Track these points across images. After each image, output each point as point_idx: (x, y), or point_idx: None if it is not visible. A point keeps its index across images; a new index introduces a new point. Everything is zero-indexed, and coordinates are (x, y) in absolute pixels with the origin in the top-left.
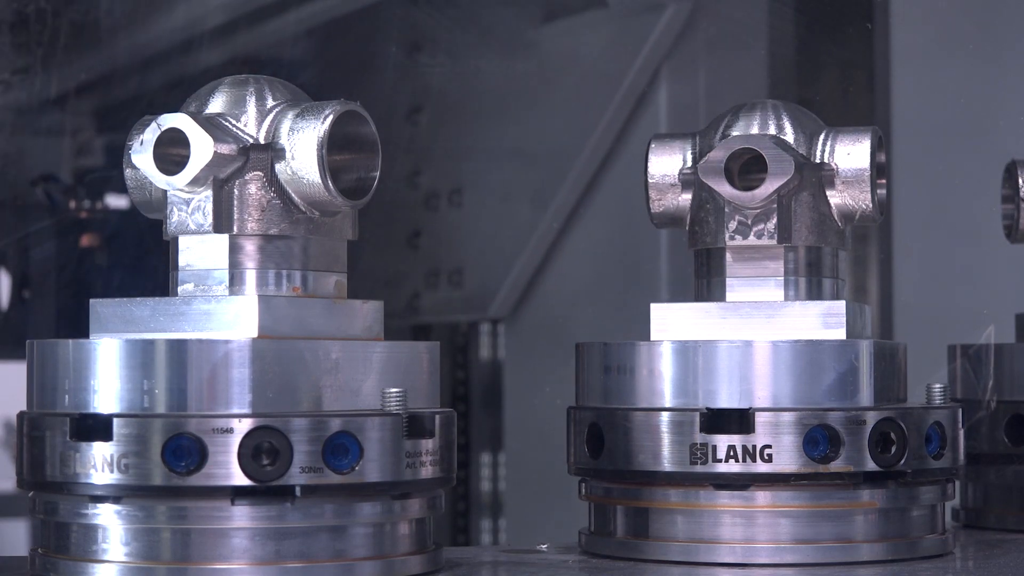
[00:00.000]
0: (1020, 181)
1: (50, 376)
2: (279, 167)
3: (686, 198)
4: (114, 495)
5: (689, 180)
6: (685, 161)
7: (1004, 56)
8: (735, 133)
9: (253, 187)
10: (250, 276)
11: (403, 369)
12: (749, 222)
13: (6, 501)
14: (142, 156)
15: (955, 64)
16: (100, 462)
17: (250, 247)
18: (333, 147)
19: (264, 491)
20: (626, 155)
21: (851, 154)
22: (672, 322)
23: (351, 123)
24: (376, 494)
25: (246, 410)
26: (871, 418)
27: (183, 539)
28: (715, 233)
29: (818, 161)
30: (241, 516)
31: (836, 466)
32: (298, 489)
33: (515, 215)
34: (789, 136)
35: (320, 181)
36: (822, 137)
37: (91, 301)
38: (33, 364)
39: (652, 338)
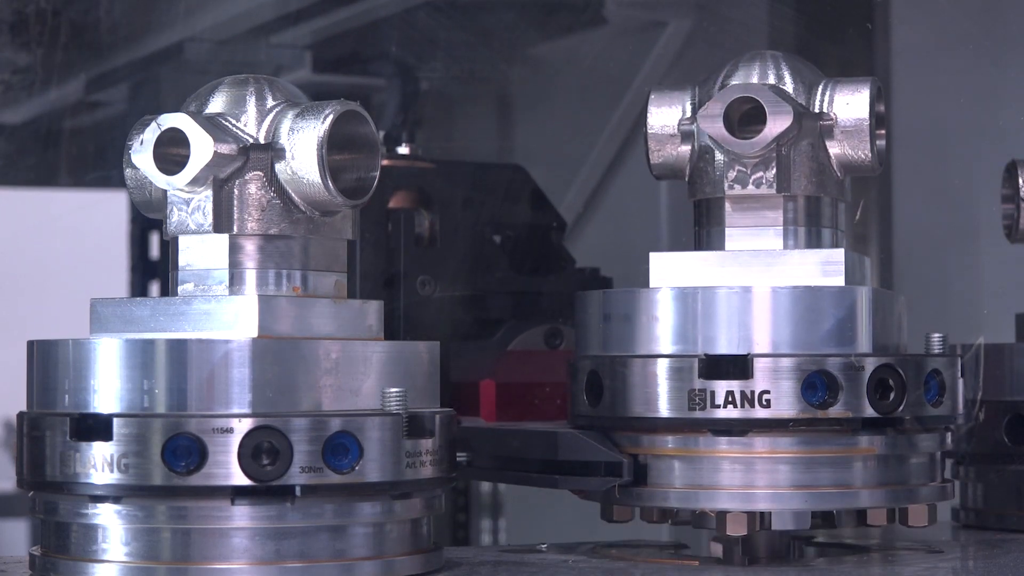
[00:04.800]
0: (1020, 181)
1: (50, 376)
2: (279, 167)
3: (685, 149)
4: (114, 495)
5: (688, 131)
6: (684, 112)
7: (1004, 56)
8: (734, 83)
9: (253, 187)
10: (250, 276)
11: (403, 369)
12: (748, 171)
13: (6, 501)
14: (142, 156)
15: (955, 64)
16: (100, 462)
17: (250, 247)
18: (333, 147)
19: (264, 491)
20: (631, 160)
21: (850, 104)
22: (671, 270)
23: (351, 123)
24: (376, 494)
25: (246, 410)
26: (869, 364)
27: (183, 539)
28: (714, 183)
29: (817, 111)
30: (241, 516)
31: (834, 412)
32: (298, 489)
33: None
34: (788, 86)
35: (320, 181)
36: (821, 87)
37: (91, 300)
38: (33, 364)
39: (651, 285)
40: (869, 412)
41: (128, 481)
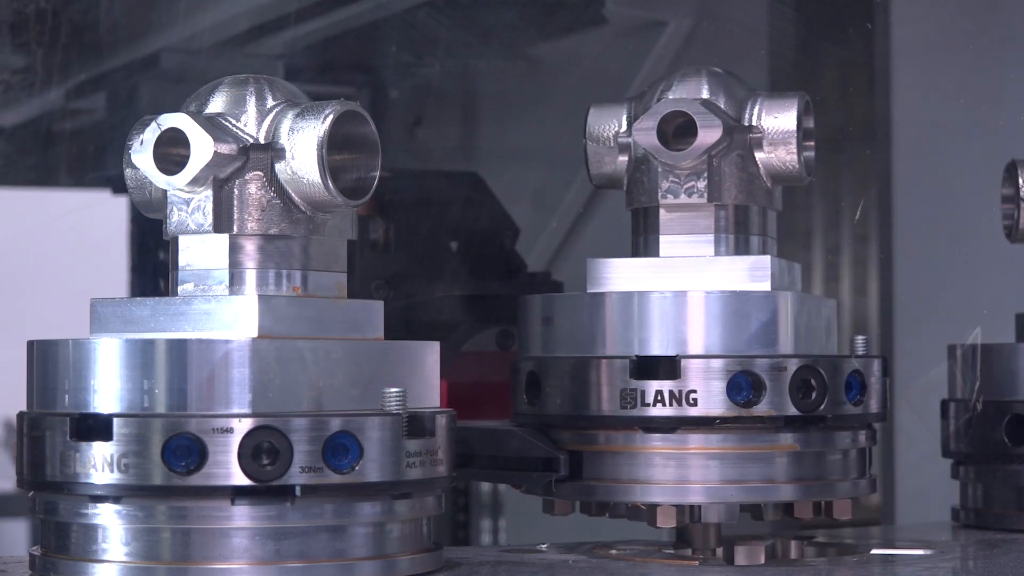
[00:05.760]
0: (1020, 181)
1: (50, 376)
2: (279, 167)
3: (623, 160)
4: (114, 495)
5: (625, 143)
6: (622, 125)
7: (1004, 56)
8: (670, 97)
9: (253, 187)
10: (250, 276)
11: (403, 369)
12: (681, 182)
13: (6, 501)
14: (142, 156)
15: (955, 64)
16: (100, 462)
17: (250, 247)
18: (333, 147)
19: (264, 491)
20: None
21: (778, 118)
22: (609, 275)
23: (351, 123)
24: (376, 494)
25: (246, 410)
26: (792, 365)
27: (183, 539)
28: (650, 193)
29: (747, 124)
30: (241, 516)
31: (759, 410)
32: (298, 489)
33: (517, 218)
34: (720, 100)
35: (320, 181)
36: (752, 102)
37: (91, 300)
38: (33, 364)
39: (588, 290)
40: (791, 410)
41: (128, 481)
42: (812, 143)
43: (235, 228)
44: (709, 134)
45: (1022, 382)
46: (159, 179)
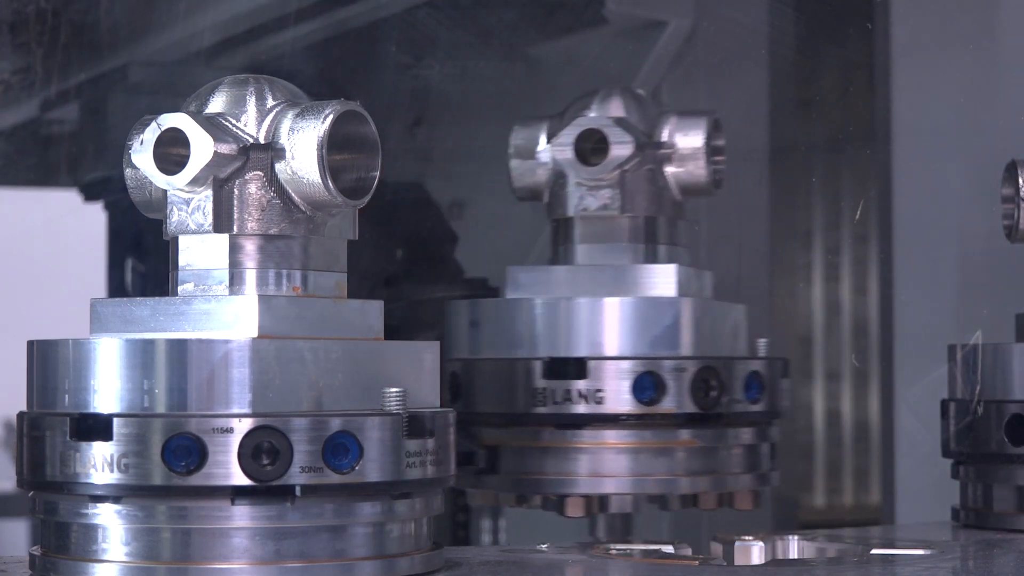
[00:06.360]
0: (1020, 181)
1: (50, 376)
2: (279, 167)
3: (543, 174)
4: (114, 495)
5: (545, 158)
6: (542, 141)
7: (1004, 56)
8: (587, 115)
9: (253, 187)
10: (250, 276)
11: (403, 369)
12: (595, 194)
13: (6, 501)
14: (142, 156)
15: (955, 64)
16: (100, 462)
17: (250, 247)
18: (333, 147)
19: (264, 491)
20: None
21: (688, 135)
22: (528, 282)
23: (351, 123)
24: (376, 494)
25: (246, 410)
26: (692, 366)
27: (183, 539)
28: (566, 205)
29: (658, 141)
30: (241, 516)
31: (661, 408)
32: (298, 489)
33: (518, 218)
34: (634, 118)
35: (320, 181)
36: (663, 120)
37: (91, 300)
38: (33, 364)
39: (508, 296)
40: (692, 408)
41: (128, 481)
42: (721, 158)
43: (235, 228)
44: (621, 150)
45: (1022, 382)
46: (159, 179)
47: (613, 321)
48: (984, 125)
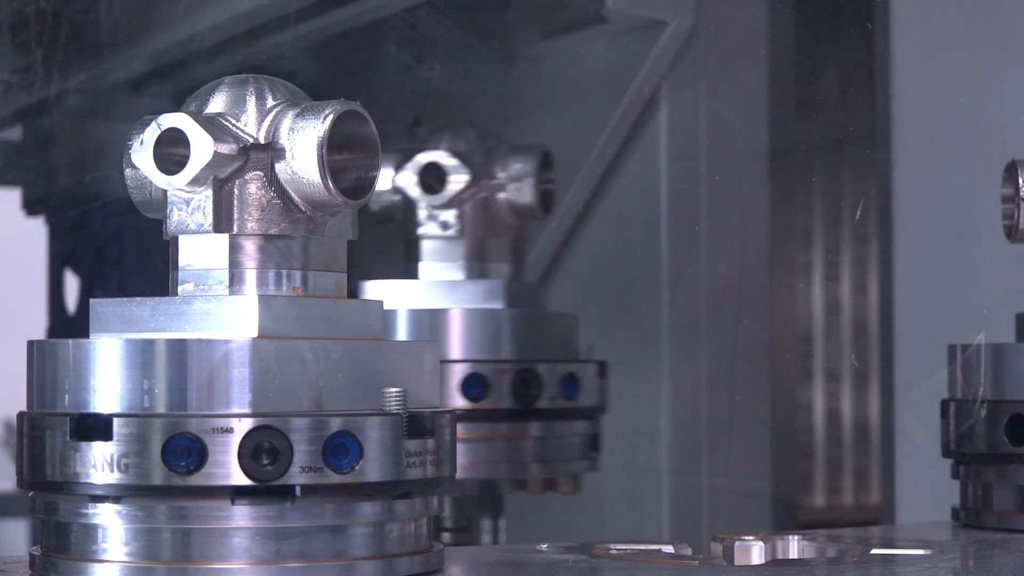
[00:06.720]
0: (1020, 181)
1: (50, 376)
2: (279, 167)
3: (397, 199)
4: (114, 495)
5: (398, 187)
6: (393, 172)
7: (1004, 56)
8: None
9: (253, 187)
10: (250, 276)
11: (403, 369)
12: (437, 216)
13: (6, 501)
14: (142, 156)
15: (955, 64)
16: (100, 462)
17: (250, 247)
18: (333, 147)
19: (264, 491)
20: (631, 157)
21: (521, 166)
22: (381, 295)
23: (351, 123)
24: (376, 494)
25: (246, 410)
26: (512, 368)
27: (183, 539)
28: (413, 225)
29: (490, 176)
30: (241, 516)
31: (485, 404)
32: (298, 489)
33: None
34: (472, 152)
35: (320, 181)
36: (497, 152)
37: (91, 301)
38: (33, 364)
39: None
40: (511, 405)
41: (128, 481)
42: (551, 185)
43: (235, 228)
44: (460, 180)
45: (1022, 382)
46: (159, 179)
47: (449, 328)
48: (984, 125)
